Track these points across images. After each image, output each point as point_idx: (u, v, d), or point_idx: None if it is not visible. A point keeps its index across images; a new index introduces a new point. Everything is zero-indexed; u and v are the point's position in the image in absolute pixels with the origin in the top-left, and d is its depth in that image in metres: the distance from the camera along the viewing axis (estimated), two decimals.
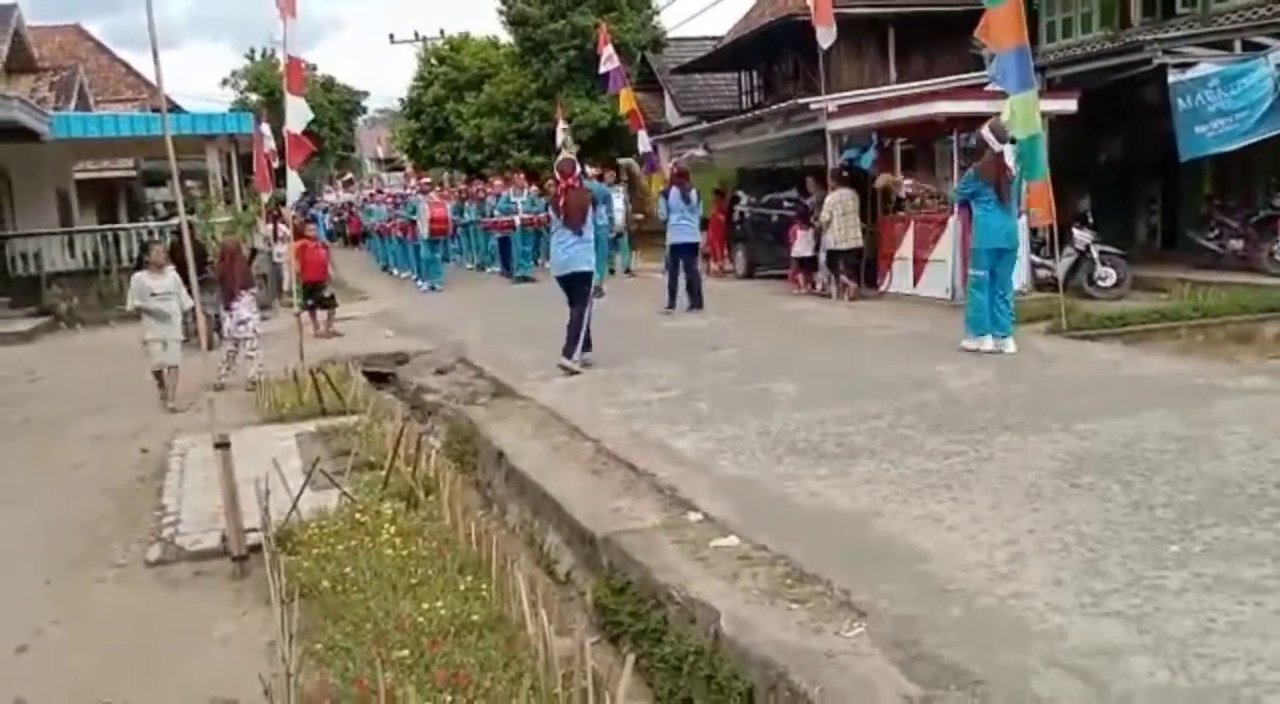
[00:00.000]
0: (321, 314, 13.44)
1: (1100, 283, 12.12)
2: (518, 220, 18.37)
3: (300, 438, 7.59)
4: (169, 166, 5.94)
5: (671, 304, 12.70)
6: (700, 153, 19.82)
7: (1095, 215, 12.92)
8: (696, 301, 12.65)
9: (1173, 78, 12.32)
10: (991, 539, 4.35)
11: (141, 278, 9.24)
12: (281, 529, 5.23)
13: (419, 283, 18.52)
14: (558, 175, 9.43)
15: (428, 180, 21.50)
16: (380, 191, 28.16)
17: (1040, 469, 5.28)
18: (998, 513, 4.68)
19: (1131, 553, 4.08)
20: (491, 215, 19.08)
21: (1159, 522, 4.42)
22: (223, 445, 5.15)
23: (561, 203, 9.12)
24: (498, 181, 20.84)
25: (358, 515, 5.39)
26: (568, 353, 9.00)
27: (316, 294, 13.28)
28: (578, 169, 9.59)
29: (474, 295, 16.96)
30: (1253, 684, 3.05)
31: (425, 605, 4.20)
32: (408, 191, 22.34)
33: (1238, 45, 12.70)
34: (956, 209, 11.73)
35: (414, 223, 18.57)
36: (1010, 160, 8.88)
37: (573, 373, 8.83)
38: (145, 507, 6.35)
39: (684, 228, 12.93)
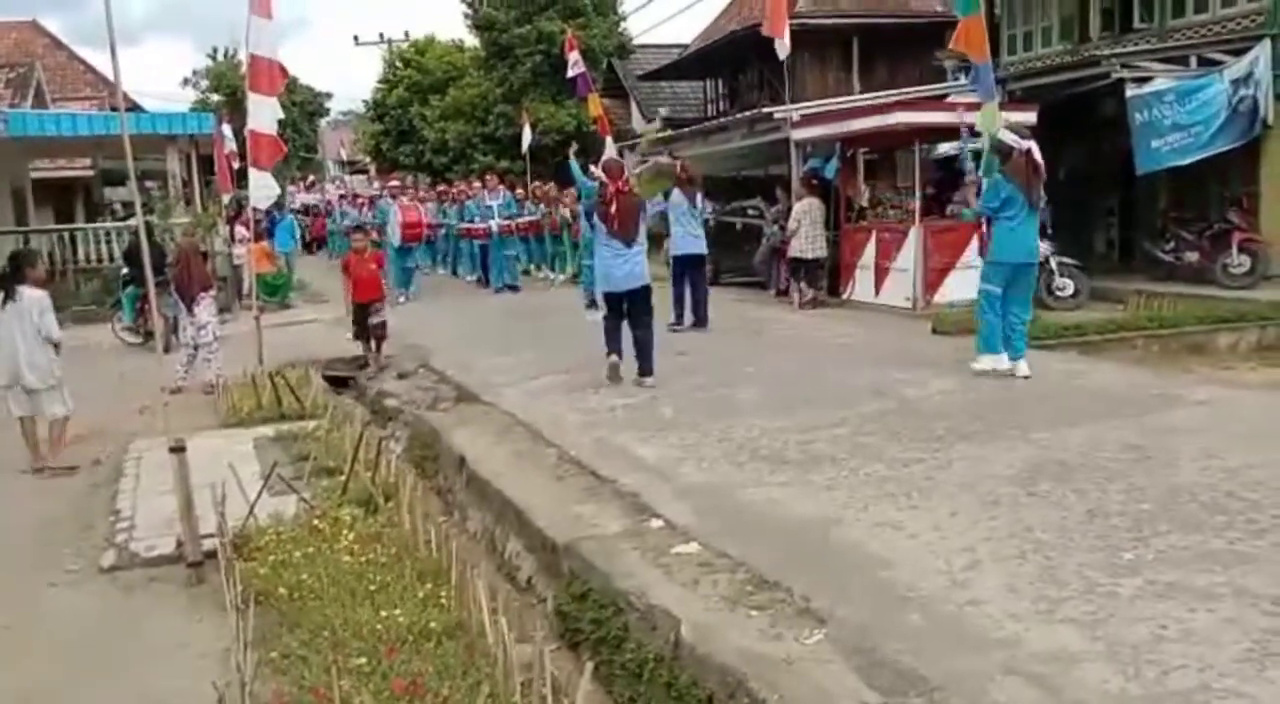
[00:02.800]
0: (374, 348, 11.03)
1: (1059, 293, 12.27)
2: (494, 226, 17.42)
3: (258, 442, 7.50)
4: (128, 166, 5.86)
5: (679, 318, 11.63)
6: (664, 160, 19.86)
7: (1054, 227, 13.07)
8: (701, 319, 11.58)
9: (1130, 92, 12.54)
10: (950, 546, 4.39)
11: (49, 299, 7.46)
12: (238, 535, 5.17)
13: (392, 292, 17.83)
14: (604, 177, 8.41)
15: (396, 183, 20.35)
16: (356, 196, 27.13)
17: (998, 477, 5.34)
18: (956, 520, 4.72)
19: (1086, 560, 4.13)
20: (470, 220, 18.14)
21: (1113, 529, 4.47)
22: (178, 450, 5.07)
23: (612, 210, 8.12)
24: (477, 184, 19.86)
25: (316, 521, 5.33)
26: (648, 371, 8.35)
27: (366, 319, 10.73)
28: (627, 171, 8.60)
29: (449, 305, 16.36)
30: (1204, 690, 3.09)
31: (383, 613, 4.17)
32: (380, 194, 21.36)
33: (1193, 61, 12.95)
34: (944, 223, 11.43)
35: (383, 227, 17.65)
36: (1038, 156, 7.93)
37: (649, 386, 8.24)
38: (99, 511, 6.25)
39: (689, 237, 11.75)
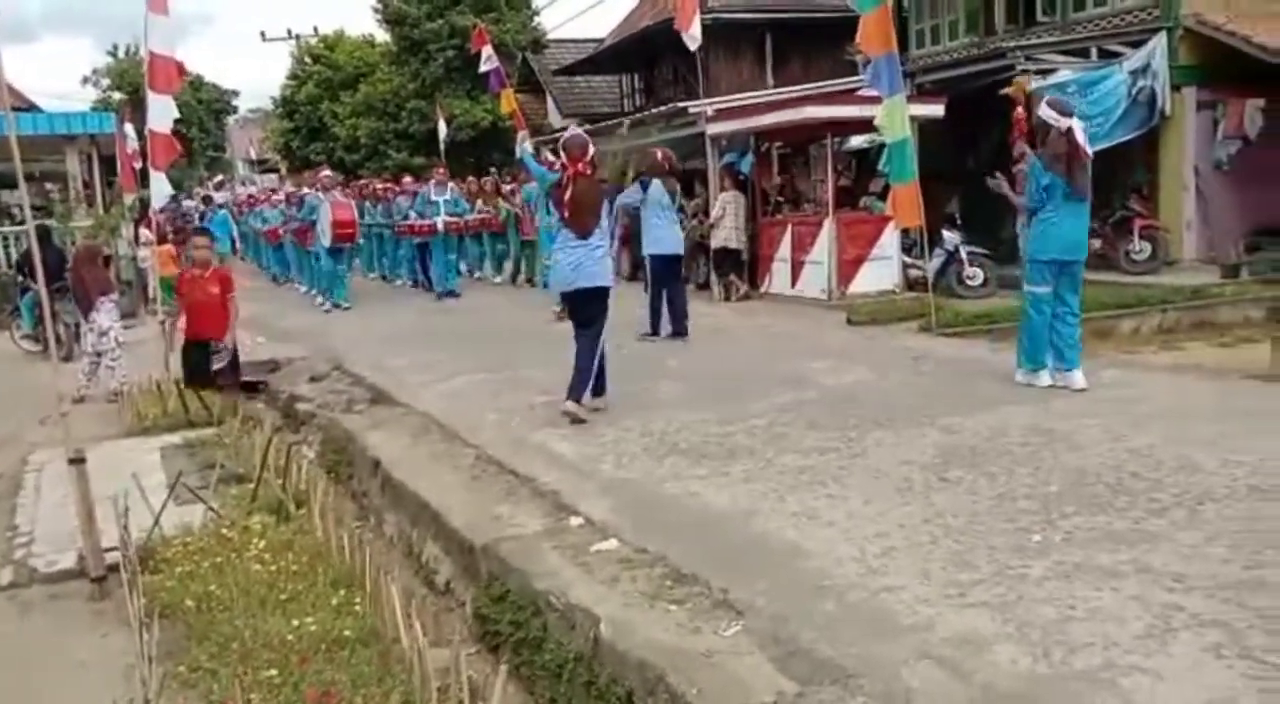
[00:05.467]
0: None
1: (968, 282, 12.56)
2: (440, 223, 15.81)
3: (165, 451, 7.29)
4: (26, 169, 5.61)
5: (655, 328, 10.27)
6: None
7: (963, 217, 13.37)
8: (680, 327, 10.23)
9: (1034, 84, 12.83)
10: (864, 534, 4.44)
11: None
12: (143, 547, 5.00)
13: (317, 299, 15.91)
14: (564, 158, 7.04)
15: (328, 173, 17.33)
16: (274, 192, 24.92)
17: (910, 464, 5.42)
18: (870, 508, 4.78)
19: (996, 544, 4.21)
20: (405, 217, 16.45)
21: (1022, 512, 4.57)
22: (77, 461, 4.89)
23: (566, 195, 6.92)
24: (408, 179, 18.27)
25: (224, 531, 5.19)
26: (575, 395, 6.95)
27: (203, 363, 8.30)
28: (591, 151, 7.07)
29: (373, 308, 15.02)
30: (1110, 668, 3.17)
31: (295, 622, 4.07)
32: (305, 192, 18.16)
33: (1094, 53, 13.33)
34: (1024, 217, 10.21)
35: (312, 225, 15.77)
36: (1081, 137, 6.88)
37: (577, 421, 6.85)
38: None
39: (668, 234, 10.37)
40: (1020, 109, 7.54)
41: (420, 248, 16.71)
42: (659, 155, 11.02)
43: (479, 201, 17.32)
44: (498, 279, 17.69)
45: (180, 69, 10.01)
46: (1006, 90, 12.51)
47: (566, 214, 6.99)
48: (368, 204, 18.89)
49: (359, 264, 19.70)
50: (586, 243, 7.04)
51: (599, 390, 7.29)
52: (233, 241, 20.20)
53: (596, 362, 7.11)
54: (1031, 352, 7.18)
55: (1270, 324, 10.88)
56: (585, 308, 7.15)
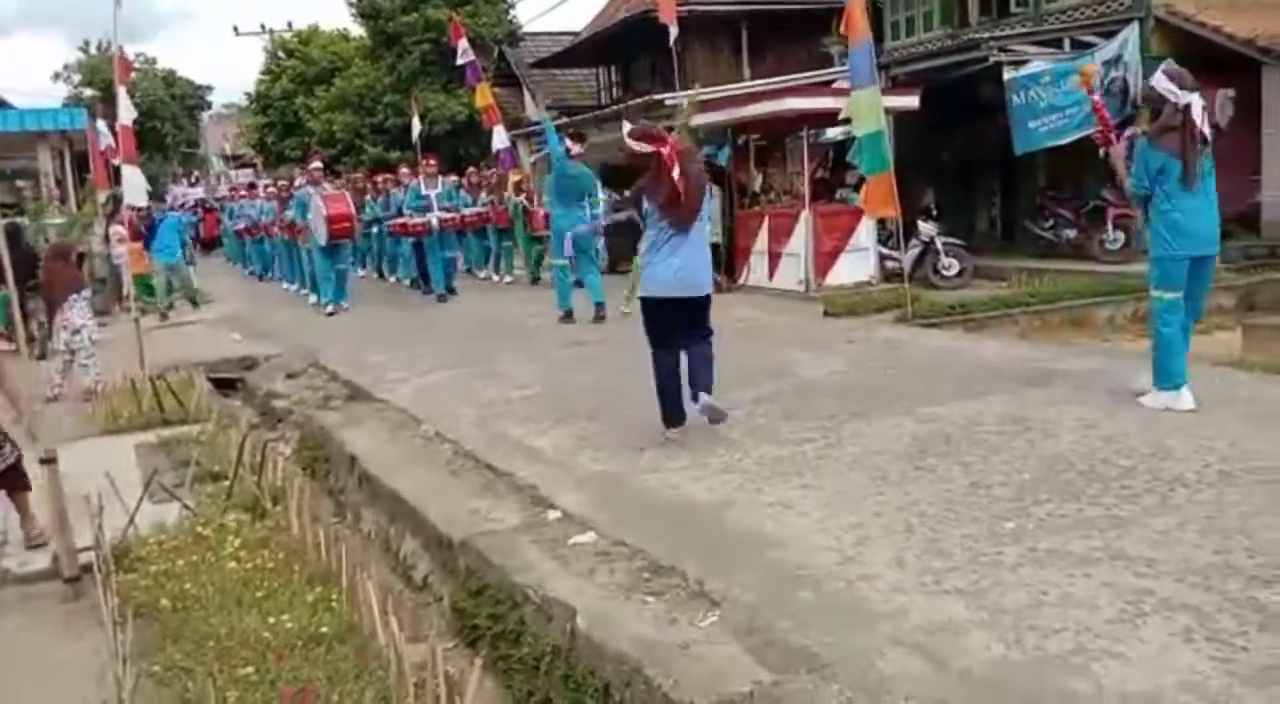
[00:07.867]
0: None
1: (944, 273, 12.62)
2: (434, 220, 14.64)
3: (140, 449, 7.24)
4: None
5: None
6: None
7: (939, 208, 13.44)
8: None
9: (1008, 75, 12.91)
10: (840, 523, 4.46)
11: None
12: (117, 547, 4.98)
13: (310, 299, 15.11)
14: (645, 145, 5.72)
15: (317, 165, 15.65)
16: (253, 187, 22.62)
17: (886, 453, 5.44)
18: (846, 497, 4.80)
19: (970, 532, 4.24)
20: (399, 212, 15.33)
21: (996, 500, 4.60)
22: (49, 461, 4.86)
23: (675, 178, 5.55)
24: (404, 170, 16.91)
25: (200, 529, 5.17)
26: (708, 385, 5.96)
27: None
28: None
29: (374, 312, 13.93)
30: (1081, 652, 3.20)
31: (271, 619, 4.06)
32: (297, 185, 16.49)
33: (1067, 44, 13.40)
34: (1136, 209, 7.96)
35: (294, 224, 15.06)
36: (1199, 116, 5.75)
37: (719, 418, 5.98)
38: None
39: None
40: (1096, 97, 6.95)
41: (416, 246, 15.62)
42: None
43: (482, 195, 16.47)
44: (507, 279, 16.81)
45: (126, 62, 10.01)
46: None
47: (672, 202, 5.62)
48: (366, 198, 17.69)
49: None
50: (688, 238, 5.74)
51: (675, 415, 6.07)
52: (184, 248, 17.59)
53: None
54: (1170, 369, 5.95)
55: (1241, 312, 11.01)
56: (684, 317, 5.97)
